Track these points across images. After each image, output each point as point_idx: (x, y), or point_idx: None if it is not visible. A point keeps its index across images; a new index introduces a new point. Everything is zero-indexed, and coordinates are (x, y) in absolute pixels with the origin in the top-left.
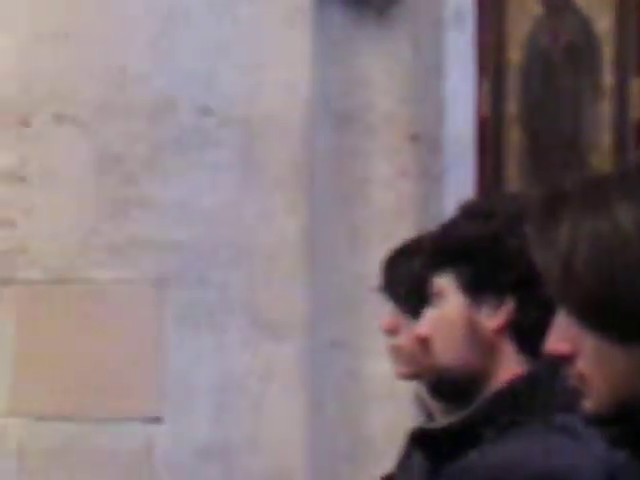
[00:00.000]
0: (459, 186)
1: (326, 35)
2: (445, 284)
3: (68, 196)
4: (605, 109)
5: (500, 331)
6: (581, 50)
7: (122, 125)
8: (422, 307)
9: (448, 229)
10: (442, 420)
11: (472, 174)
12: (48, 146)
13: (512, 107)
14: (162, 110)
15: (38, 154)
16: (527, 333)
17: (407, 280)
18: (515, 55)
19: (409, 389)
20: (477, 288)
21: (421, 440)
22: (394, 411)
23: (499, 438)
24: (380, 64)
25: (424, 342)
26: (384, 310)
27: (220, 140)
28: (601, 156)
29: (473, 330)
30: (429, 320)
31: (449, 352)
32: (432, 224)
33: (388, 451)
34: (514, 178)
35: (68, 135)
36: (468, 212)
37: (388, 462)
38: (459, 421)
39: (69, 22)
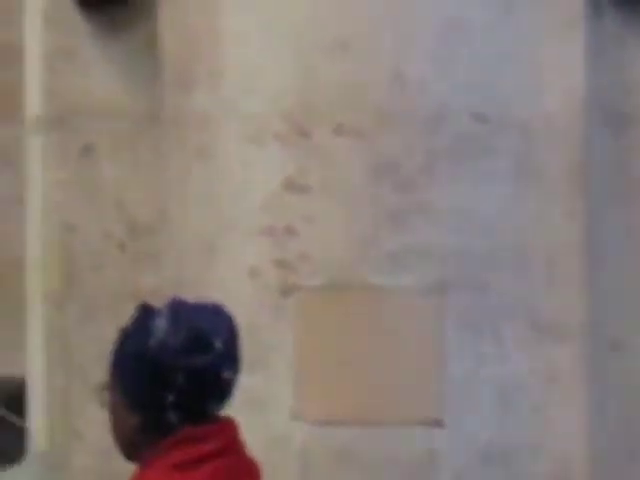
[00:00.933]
0: None
1: (600, 38)
2: None
3: (347, 205)
4: None
5: None
6: None
7: (399, 134)
8: None
9: None
10: None
11: None
12: (327, 156)
13: None
14: (438, 118)
15: (318, 164)
16: None
17: None
18: None
19: None
20: None
21: None
22: None
23: None
24: None
25: None
26: None
27: (495, 146)
28: None
29: None
30: None
31: None
32: None
33: None
34: None
35: (346, 145)
36: None
37: None
38: None
39: (348, 33)
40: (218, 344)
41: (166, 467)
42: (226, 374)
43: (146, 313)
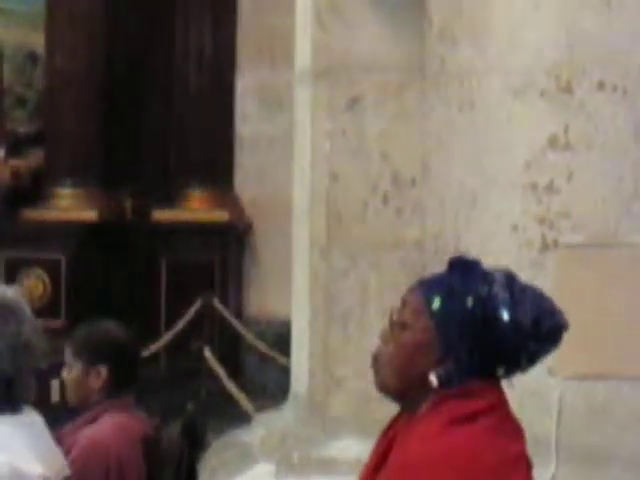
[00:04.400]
0: None
1: None
2: None
3: (608, 162)
4: None
5: None
6: None
7: None
8: None
9: None
10: None
11: None
12: (590, 113)
13: None
14: None
15: (581, 121)
16: None
17: None
18: None
19: None
20: None
21: None
22: None
23: None
24: None
25: None
26: None
27: None
28: None
29: None
30: None
31: None
32: None
33: None
34: None
35: (608, 101)
36: None
37: None
38: None
39: None
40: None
41: (442, 421)
42: (532, 347)
43: (479, 273)
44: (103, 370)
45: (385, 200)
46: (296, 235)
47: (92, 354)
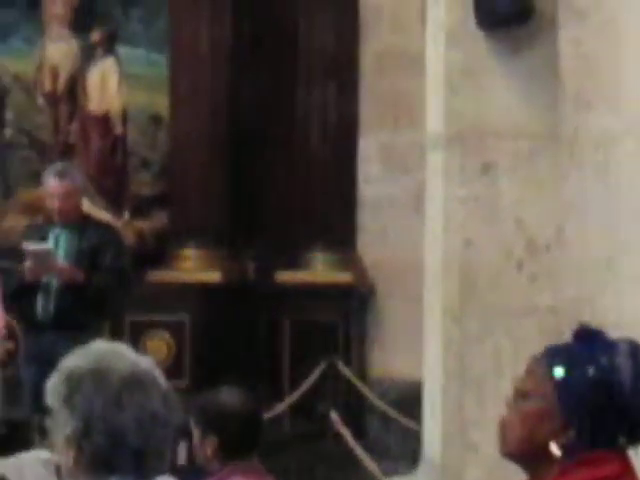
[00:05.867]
0: None
1: None
2: None
3: None
4: None
5: None
6: None
7: None
8: None
9: None
10: None
11: None
12: None
13: None
14: None
15: None
16: None
17: None
18: None
19: None
20: None
21: None
22: None
23: None
24: None
25: None
26: None
27: None
28: None
29: None
30: None
31: None
32: None
33: None
34: None
35: None
36: None
37: None
38: None
39: None
40: None
41: None
42: None
43: (603, 342)
44: (214, 440)
45: (519, 266)
46: (428, 300)
47: (205, 424)
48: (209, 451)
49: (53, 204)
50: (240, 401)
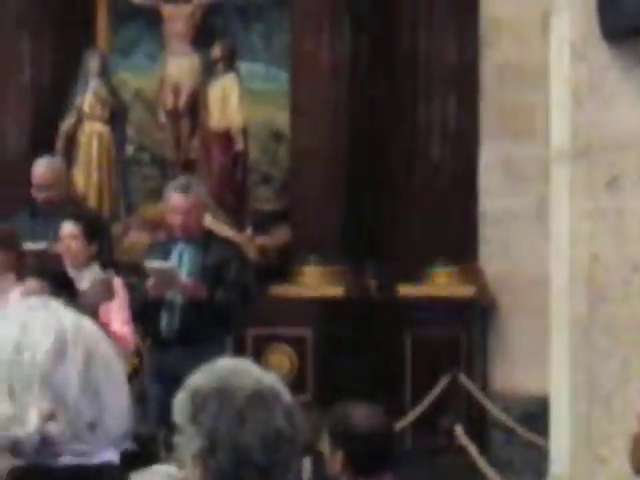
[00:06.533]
0: None
1: None
2: None
3: None
4: None
5: None
6: None
7: None
8: None
9: None
10: None
11: None
12: None
13: None
14: None
15: None
16: None
17: None
18: None
19: None
20: None
21: None
22: None
23: None
24: None
25: None
26: None
27: None
28: None
29: None
30: None
31: None
32: None
33: None
34: None
35: None
36: None
37: None
38: None
39: None
40: None
41: None
42: None
43: None
44: (341, 455)
45: None
46: (555, 314)
47: (333, 440)
48: (338, 466)
49: (175, 219)
50: (369, 417)
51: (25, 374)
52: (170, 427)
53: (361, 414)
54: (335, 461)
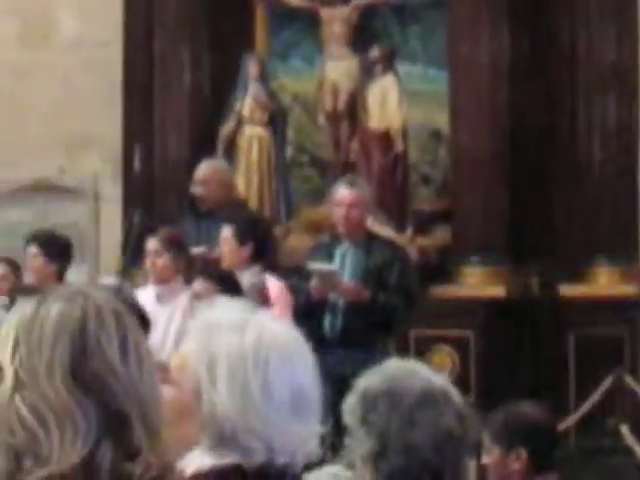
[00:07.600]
0: None
1: None
2: None
3: None
4: None
5: None
6: None
7: None
8: None
9: None
10: None
11: None
12: None
13: None
14: None
15: None
16: None
17: None
18: None
19: None
20: None
21: None
22: None
23: None
24: None
25: None
26: None
27: None
28: None
29: None
30: None
31: None
32: None
33: None
34: None
35: None
36: None
37: None
38: None
39: None
40: None
41: None
42: None
43: None
44: (523, 453)
45: None
46: None
47: (511, 437)
48: (516, 465)
49: (339, 212)
50: (543, 415)
51: None
52: (335, 428)
53: (537, 411)
54: (513, 461)
